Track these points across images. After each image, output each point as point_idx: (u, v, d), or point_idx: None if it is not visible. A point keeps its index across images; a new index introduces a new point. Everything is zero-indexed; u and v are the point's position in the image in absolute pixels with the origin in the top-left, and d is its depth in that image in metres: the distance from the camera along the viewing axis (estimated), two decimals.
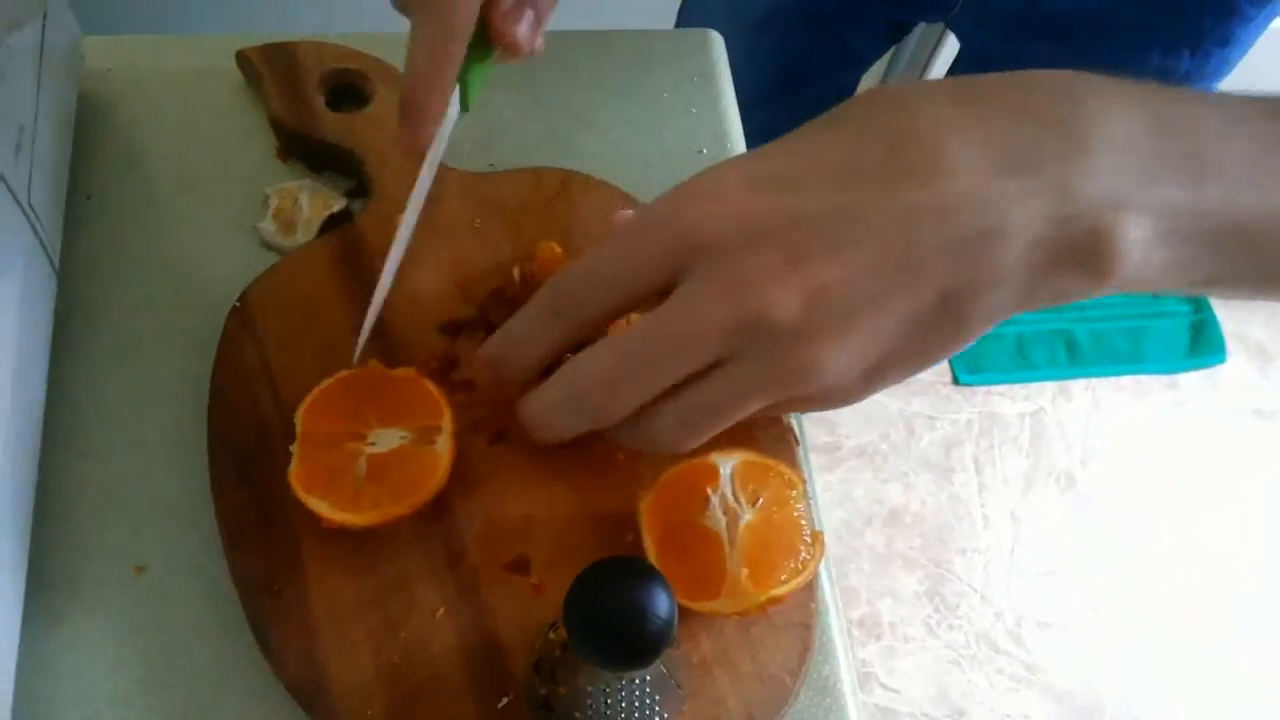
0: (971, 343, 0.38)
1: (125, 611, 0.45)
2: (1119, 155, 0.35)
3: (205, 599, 0.45)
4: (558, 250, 0.51)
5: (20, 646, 0.43)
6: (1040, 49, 0.78)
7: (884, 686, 1.52)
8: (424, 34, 0.43)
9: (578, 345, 0.41)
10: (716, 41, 0.66)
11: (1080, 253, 0.35)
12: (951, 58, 0.97)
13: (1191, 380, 1.81)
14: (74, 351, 0.51)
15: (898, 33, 0.97)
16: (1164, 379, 1.81)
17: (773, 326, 0.35)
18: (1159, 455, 1.74)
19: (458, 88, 0.46)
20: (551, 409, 0.41)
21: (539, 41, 0.48)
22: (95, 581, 0.46)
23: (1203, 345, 1.82)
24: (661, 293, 0.38)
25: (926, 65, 1.69)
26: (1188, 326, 1.83)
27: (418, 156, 0.47)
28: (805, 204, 0.36)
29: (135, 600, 0.46)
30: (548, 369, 0.42)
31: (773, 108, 0.97)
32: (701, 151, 0.61)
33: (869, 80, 1.13)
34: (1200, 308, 1.84)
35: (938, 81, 0.38)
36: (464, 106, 0.47)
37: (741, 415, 0.40)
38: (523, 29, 0.46)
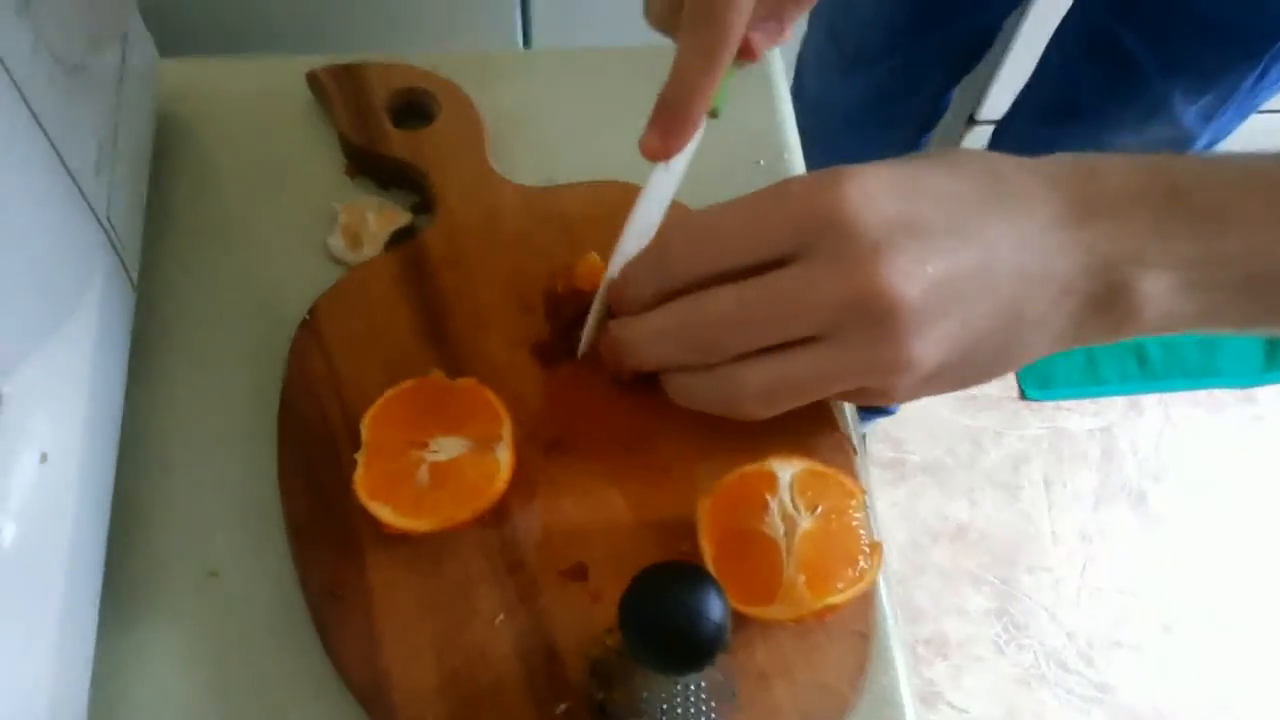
0: (1005, 374, 0.44)
1: (198, 616, 0.47)
2: (1134, 217, 0.40)
3: (275, 604, 0.47)
4: (598, 261, 0.52)
5: (95, 651, 0.44)
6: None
7: (951, 706, 1.50)
8: (696, 43, 0.44)
9: None
10: (773, 54, 0.67)
11: (1104, 302, 0.41)
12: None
13: (1268, 395, 1.76)
14: (150, 364, 0.53)
15: None
16: (1239, 393, 1.76)
17: (889, 314, 0.39)
18: (1234, 472, 1.70)
19: None
20: (657, 334, 0.45)
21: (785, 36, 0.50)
22: (169, 587, 0.47)
23: (1279, 358, 1.77)
24: (769, 265, 0.41)
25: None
26: (1264, 339, 1.78)
27: (657, 160, 0.47)
28: (930, 217, 0.40)
29: (208, 605, 0.47)
30: None
31: (908, 51, 1.02)
32: (759, 163, 0.62)
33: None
34: None
35: (1008, 155, 0.43)
36: (715, 114, 0.48)
37: (821, 395, 0.44)
38: (767, 40, 0.49)
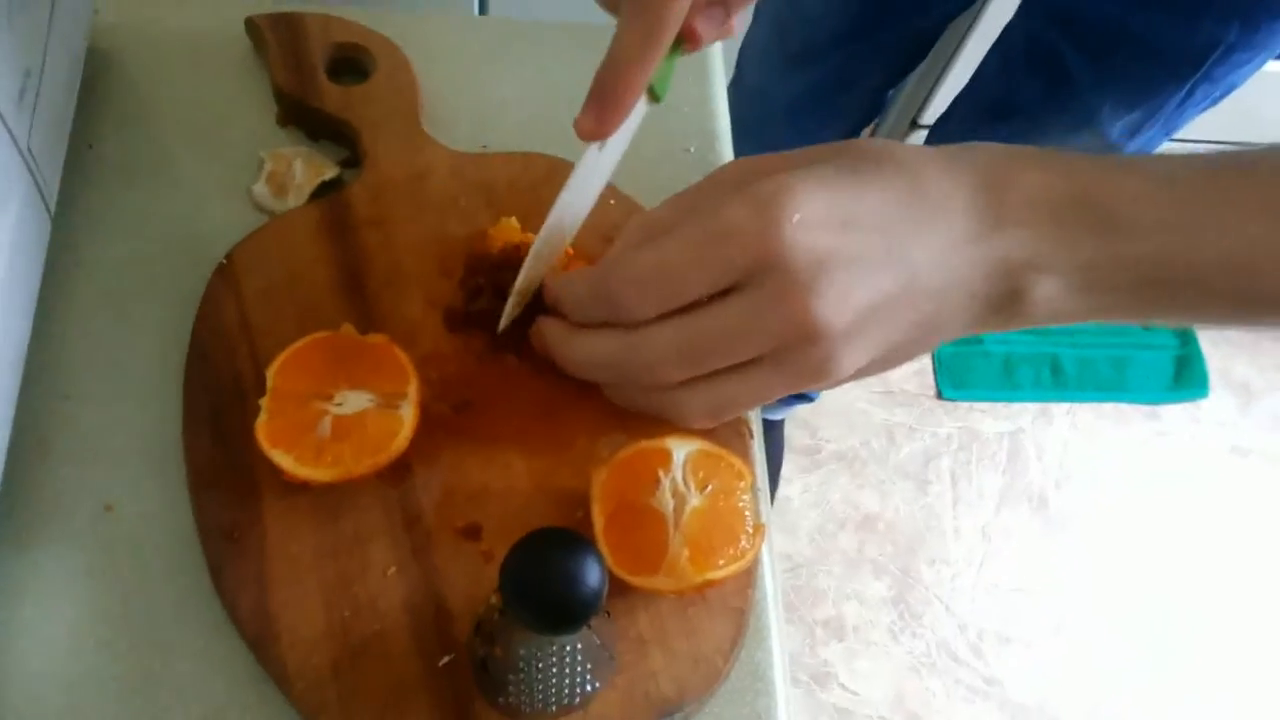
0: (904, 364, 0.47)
1: (92, 547, 0.47)
2: (1041, 224, 0.42)
3: (170, 541, 0.47)
4: (515, 225, 0.53)
5: None
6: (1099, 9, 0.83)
7: (843, 687, 1.54)
8: (635, 26, 0.44)
9: None
10: (713, 44, 0.68)
11: (1003, 301, 0.44)
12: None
13: (1173, 412, 1.83)
14: (63, 295, 0.53)
15: None
16: (1145, 409, 1.82)
17: (819, 339, 0.42)
18: (1134, 484, 1.76)
19: None
20: (597, 363, 0.47)
21: (731, 27, 0.50)
22: (65, 516, 0.48)
23: (1186, 379, 1.83)
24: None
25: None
26: (1173, 359, 1.85)
27: (590, 140, 0.47)
28: (858, 246, 0.42)
29: (102, 537, 0.47)
30: None
31: (850, 50, 1.03)
32: (690, 150, 0.63)
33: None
34: (1187, 342, 1.86)
35: (932, 150, 0.45)
36: (657, 99, 0.49)
37: (756, 406, 0.48)
38: (713, 29, 0.49)
